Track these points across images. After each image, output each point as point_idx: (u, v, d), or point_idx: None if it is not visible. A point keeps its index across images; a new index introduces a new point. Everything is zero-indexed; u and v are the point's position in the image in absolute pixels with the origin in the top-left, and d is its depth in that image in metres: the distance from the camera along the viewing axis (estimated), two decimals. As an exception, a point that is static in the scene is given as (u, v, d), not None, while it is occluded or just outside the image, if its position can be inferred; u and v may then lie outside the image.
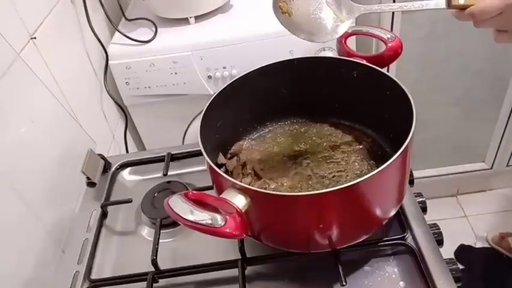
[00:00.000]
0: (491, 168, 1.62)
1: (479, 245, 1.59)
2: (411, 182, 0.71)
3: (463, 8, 0.52)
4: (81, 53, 1.04)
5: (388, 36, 0.65)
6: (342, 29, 0.59)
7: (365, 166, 0.65)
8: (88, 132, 0.98)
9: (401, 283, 0.59)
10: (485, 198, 1.70)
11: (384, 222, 0.59)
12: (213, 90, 1.11)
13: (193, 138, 1.20)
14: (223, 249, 0.64)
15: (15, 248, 0.70)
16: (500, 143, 1.53)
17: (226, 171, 0.67)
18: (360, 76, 0.65)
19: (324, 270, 0.61)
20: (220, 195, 0.50)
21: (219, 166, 0.66)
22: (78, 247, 0.71)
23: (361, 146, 0.68)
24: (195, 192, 0.51)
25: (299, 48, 1.06)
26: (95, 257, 0.70)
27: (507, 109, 1.44)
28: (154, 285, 0.63)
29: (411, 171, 0.67)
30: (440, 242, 0.63)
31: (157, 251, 0.64)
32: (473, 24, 0.53)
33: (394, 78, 0.60)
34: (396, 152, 0.50)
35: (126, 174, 0.85)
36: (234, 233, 0.46)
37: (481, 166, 1.62)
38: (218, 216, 0.46)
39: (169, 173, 0.78)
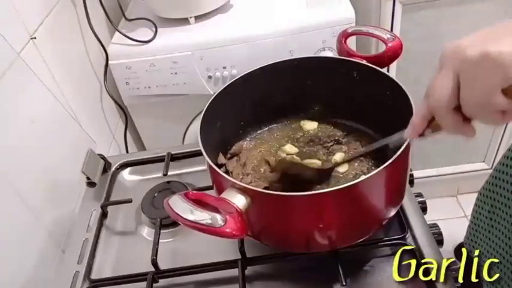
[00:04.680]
0: (491, 168, 1.62)
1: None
2: (411, 182, 0.71)
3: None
4: (81, 53, 1.04)
5: (388, 36, 0.65)
6: None
7: (365, 166, 0.65)
8: (88, 132, 0.98)
9: (402, 283, 0.59)
10: (485, 198, 1.69)
11: (384, 222, 0.59)
12: (213, 90, 1.11)
13: (193, 138, 1.20)
14: (223, 249, 0.64)
15: (15, 248, 0.70)
16: (500, 143, 1.53)
17: (226, 171, 0.67)
18: (360, 76, 0.65)
19: (324, 270, 0.61)
20: (220, 195, 0.50)
21: (219, 166, 0.66)
22: (78, 247, 0.71)
23: (361, 146, 0.68)
24: (195, 192, 0.51)
25: (299, 48, 1.06)
26: (95, 257, 0.70)
27: (507, 109, 1.44)
28: (154, 285, 0.63)
29: (411, 171, 0.67)
30: (440, 242, 0.63)
31: (157, 251, 0.64)
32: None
33: (394, 78, 0.59)
34: (396, 152, 0.50)
35: (126, 174, 0.85)
36: (234, 232, 0.45)
37: (481, 166, 1.61)
38: (218, 216, 0.46)
39: (169, 173, 0.78)
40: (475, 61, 0.36)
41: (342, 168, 0.64)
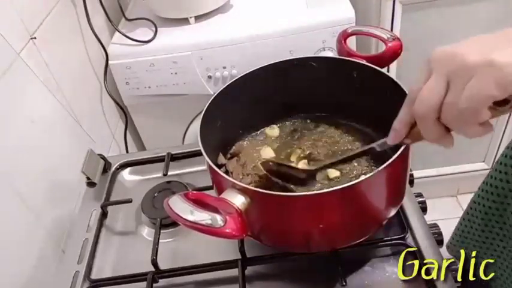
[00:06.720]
0: (491, 168, 1.62)
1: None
2: (411, 182, 0.71)
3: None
4: (81, 53, 1.04)
5: (388, 36, 0.65)
6: None
7: (365, 166, 0.65)
8: (88, 132, 0.98)
9: (402, 283, 0.59)
10: (485, 198, 1.69)
11: (384, 222, 0.59)
12: (213, 90, 1.11)
13: (193, 138, 1.20)
14: (223, 249, 0.64)
15: (15, 248, 0.70)
16: (500, 143, 1.53)
17: (226, 172, 0.67)
18: (360, 76, 0.65)
19: (324, 270, 0.61)
20: (220, 195, 0.50)
21: (219, 166, 0.66)
22: (78, 247, 0.71)
23: (360, 146, 0.68)
24: (195, 192, 0.51)
25: (299, 48, 1.06)
26: (95, 257, 0.70)
27: (507, 109, 1.44)
28: (154, 285, 0.63)
29: (411, 171, 0.67)
30: (440, 242, 0.63)
31: (157, 251, 0.64)
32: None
33: (394, 78, 0.59)
34: (396, 152, 0.50)
35: (126, 174, 0.85)
36: (233, 233, 0.45)
37: (481, 166, 1.61)
38: (218, 217, 0.46)
39: (169, 173, 0.78)
40: (475, 68, 0.34)
41: (332, 174, 0.64)
